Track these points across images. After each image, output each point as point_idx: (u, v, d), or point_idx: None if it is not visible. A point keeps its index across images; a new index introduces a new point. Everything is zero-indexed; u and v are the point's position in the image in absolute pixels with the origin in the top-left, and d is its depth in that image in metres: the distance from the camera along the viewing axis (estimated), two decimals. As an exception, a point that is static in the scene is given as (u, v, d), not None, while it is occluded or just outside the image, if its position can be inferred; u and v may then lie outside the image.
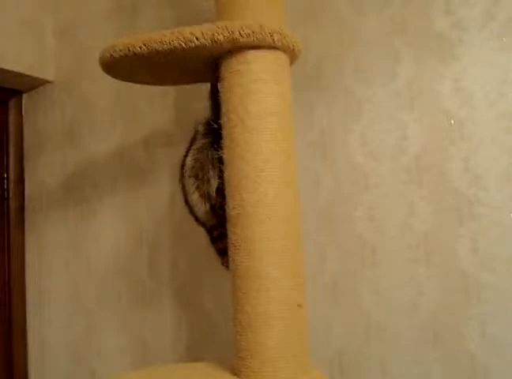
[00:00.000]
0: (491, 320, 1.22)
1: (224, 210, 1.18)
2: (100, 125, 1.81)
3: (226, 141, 1.17)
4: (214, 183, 1.21)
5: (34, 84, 1.92)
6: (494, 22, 1.27)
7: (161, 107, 1.68)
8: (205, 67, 1.24)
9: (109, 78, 1.31)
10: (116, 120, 1.78)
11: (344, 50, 1.42)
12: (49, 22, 1.91)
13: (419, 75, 1.33)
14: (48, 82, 1.91)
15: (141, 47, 1.15)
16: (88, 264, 1.79)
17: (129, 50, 1.15)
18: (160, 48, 1.14)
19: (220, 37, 1.11)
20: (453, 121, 1.29)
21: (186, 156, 1.28)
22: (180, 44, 1.13)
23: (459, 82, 1.30)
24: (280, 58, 1.18)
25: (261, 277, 1.11)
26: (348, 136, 1.41)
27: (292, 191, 1.17)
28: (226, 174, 1.16)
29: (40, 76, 1.88)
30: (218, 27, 1.11)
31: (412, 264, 1.31)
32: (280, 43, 1.15)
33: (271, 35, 1.13)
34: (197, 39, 1.12)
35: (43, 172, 1.92)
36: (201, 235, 1.35)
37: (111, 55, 1.18)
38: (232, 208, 1.15)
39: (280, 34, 1.14)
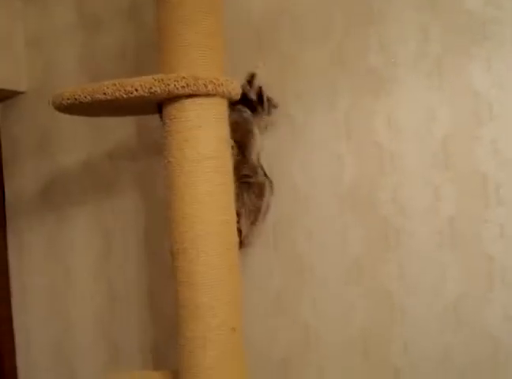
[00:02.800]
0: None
1: None
2: (68, 136, 1.91)
3: (166, 182, 1.28)
4: None
5: (8, 94, 2.00)
6: (424, 60, 1.34)
7: (124, 121, 1.76)
8: (150, 109, 1.33)
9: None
10: (82, 132, 1.87)
11: (286, 79, 1.49)
12: (20, 33, 1.98)
13: (355, 107, 1.42)
14: (21, 93, 2.00)
15: (86, 97, 1.24)
16: (64, 265, 1.93)
17: (75, 99, 1.25)
18: (104, 98, 1.23)
19: (157, 89, 1.20)
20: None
21: None
22: (121, 95, 1.22)
23: (391, 117, 1.38)
24: (217, 103, 1.27)
25: (198, 306, 1.24)
26: (291, 162, 1.50)
27: (228, 226, 1.29)
28: (167, 213, 1.28)
29: (13, 88, 1.96)
30: (155, 79, 1.21)
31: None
32: (215, 92, 1.24)
33: (205, 86, 1.22)
34: (136, 90, 1.21)
35: (20, 179, 2.03)
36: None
37: (61, 103, 1.28)
38: (173, 244, 1.27)
39: (215, 83, 1.23)
